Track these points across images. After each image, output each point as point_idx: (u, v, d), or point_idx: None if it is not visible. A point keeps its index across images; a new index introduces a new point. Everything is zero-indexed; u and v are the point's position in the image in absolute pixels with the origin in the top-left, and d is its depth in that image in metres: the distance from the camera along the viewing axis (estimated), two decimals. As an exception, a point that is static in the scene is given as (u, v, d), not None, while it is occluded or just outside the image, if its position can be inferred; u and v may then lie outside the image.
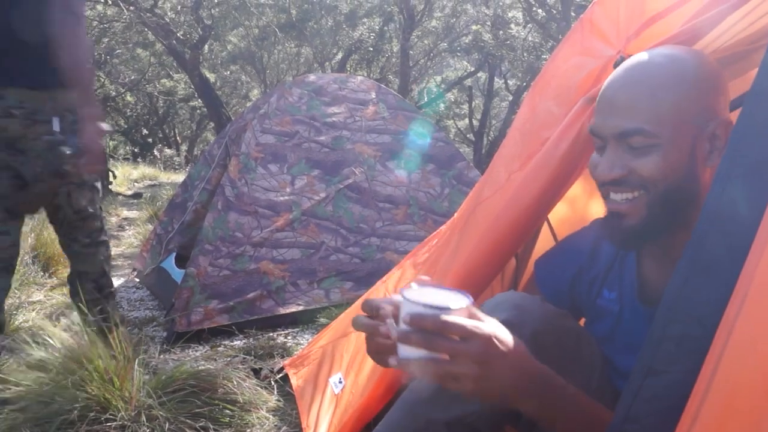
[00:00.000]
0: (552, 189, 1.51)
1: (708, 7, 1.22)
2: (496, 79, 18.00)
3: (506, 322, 1.21)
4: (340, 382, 2.14)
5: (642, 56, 1.17)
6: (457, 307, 0.97)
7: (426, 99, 18.53)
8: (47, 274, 4.72)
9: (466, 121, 19.93)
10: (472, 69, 17.97)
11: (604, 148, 1.18)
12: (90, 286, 2.60)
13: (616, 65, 1.42)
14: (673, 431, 0.81)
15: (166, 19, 12.28)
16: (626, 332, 1.37)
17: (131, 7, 11.05)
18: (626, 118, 1.12)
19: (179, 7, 13.53)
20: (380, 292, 2.35)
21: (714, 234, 0.85)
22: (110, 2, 11.21)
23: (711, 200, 0.87)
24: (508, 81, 18.39)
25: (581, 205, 2.07)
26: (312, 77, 4.60)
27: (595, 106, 1.21)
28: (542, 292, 1.54)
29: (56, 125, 2.35)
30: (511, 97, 17.42)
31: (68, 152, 2.34)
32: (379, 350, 1.06)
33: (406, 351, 0.98)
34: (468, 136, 19.98)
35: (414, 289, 1.01)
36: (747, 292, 0.78)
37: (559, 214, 2.04)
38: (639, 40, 1.41)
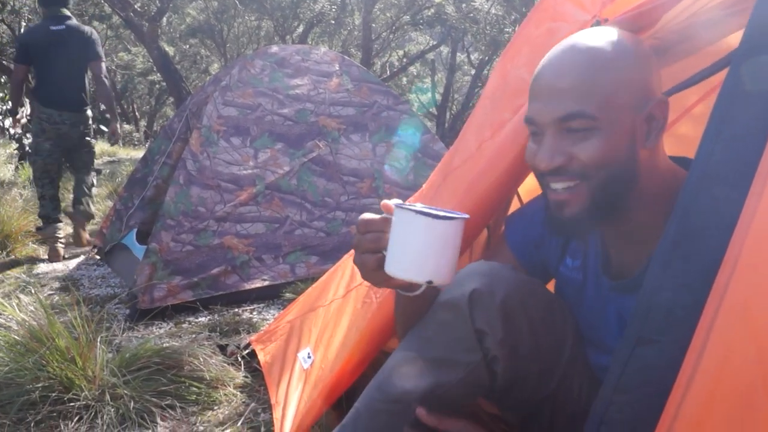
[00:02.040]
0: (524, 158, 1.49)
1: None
2: (458, 53, 17.95)
3: (476, 291, 1.21)
4: (309, 357, 2.11)
5: (578, 38, 1.15)
6: (443, 215, 1.03)
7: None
8: (5, 253, 4.60)
9: (429, 95, 19.90)
10: (435, 43, 17.88)
11: (541, 136, 1.15)
12: (84, 187, 5.10)
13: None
14: (665, 401, 0.79)
15: (122, -10, 11.90)
16: (590, 302, 1.37)
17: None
18: (568, 101, 1.09)
19: (136, -22, 13.14)
20: (347, 266, 2.31)
21: (702, 199, 0.83)
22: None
23: (698, 164, 0.84)
24: (471, 55, 18.36)
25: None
26: (274, 48, 4.49)
27: (530, 94, 1.18)
28: (511, 249, 1.53)
29: (86, 127, 4.99)
30: (473, 71, 17.41)
31: (90, 139, 5.07)
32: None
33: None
34: (430, 110, 19.94)
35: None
36: (738, 257, 0.76)
37: (528, 186, 2.01)
38: (615, 5, 1.38)
